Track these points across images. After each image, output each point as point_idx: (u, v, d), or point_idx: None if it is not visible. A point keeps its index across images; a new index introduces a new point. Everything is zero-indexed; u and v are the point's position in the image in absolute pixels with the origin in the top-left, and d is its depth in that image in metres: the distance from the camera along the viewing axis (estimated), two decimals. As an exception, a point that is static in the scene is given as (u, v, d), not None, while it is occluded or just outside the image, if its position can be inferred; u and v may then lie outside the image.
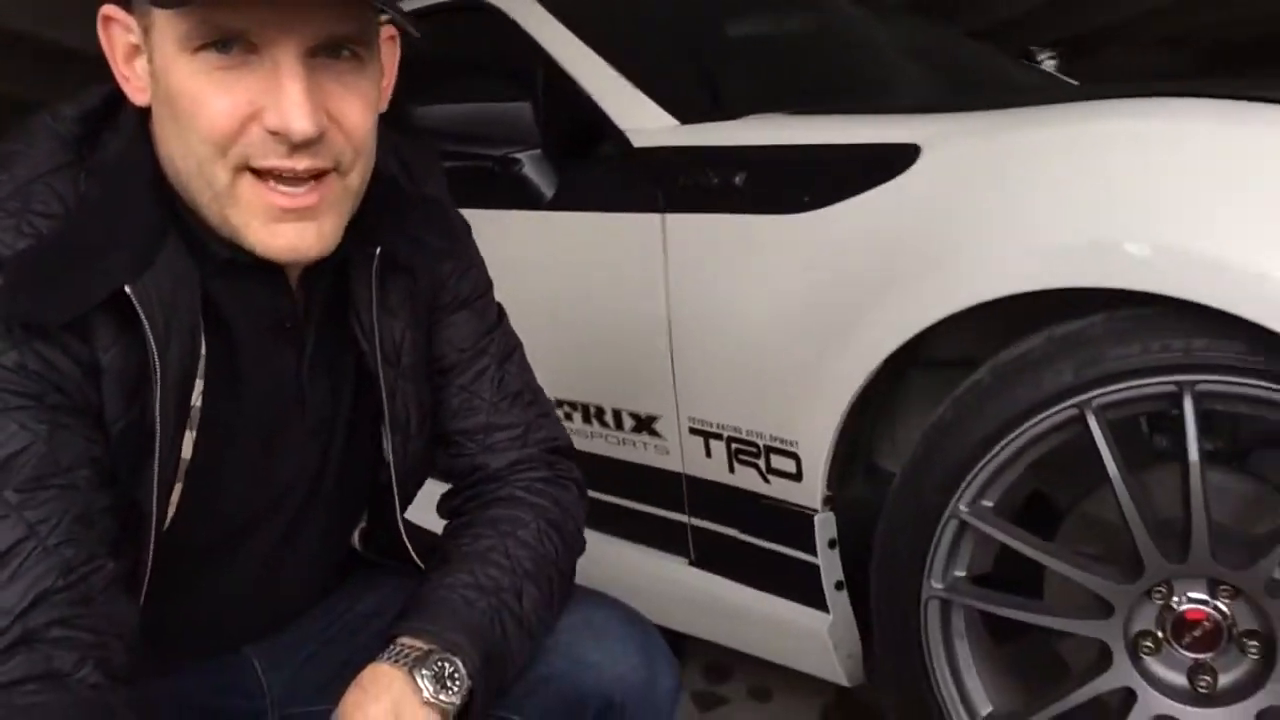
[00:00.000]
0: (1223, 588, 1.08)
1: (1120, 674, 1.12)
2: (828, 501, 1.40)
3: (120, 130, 0.81)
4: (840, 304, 1.30)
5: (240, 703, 0.97)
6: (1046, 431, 1.12)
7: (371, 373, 0.93)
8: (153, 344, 0.77)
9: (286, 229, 0.78)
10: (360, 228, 0.86)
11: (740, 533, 1.53)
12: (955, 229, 1.18)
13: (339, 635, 1.00)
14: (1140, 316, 1.06)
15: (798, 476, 1.40)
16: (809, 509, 1.41)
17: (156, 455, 0.78)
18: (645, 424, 1.60)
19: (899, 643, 1.23)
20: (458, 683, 0.83)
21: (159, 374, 0.77)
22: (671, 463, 1.59)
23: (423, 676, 0.82)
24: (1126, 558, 1.10)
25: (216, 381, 0.83)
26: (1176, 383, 1.04)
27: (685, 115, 1.59)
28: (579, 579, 1.01)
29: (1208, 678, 1.10)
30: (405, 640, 0.85)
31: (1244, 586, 1.06)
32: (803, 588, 1.45)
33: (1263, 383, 1.00)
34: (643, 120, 1.60)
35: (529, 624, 0.90)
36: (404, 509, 0.98)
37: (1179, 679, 1.12)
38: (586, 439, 1.70)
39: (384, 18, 0.81)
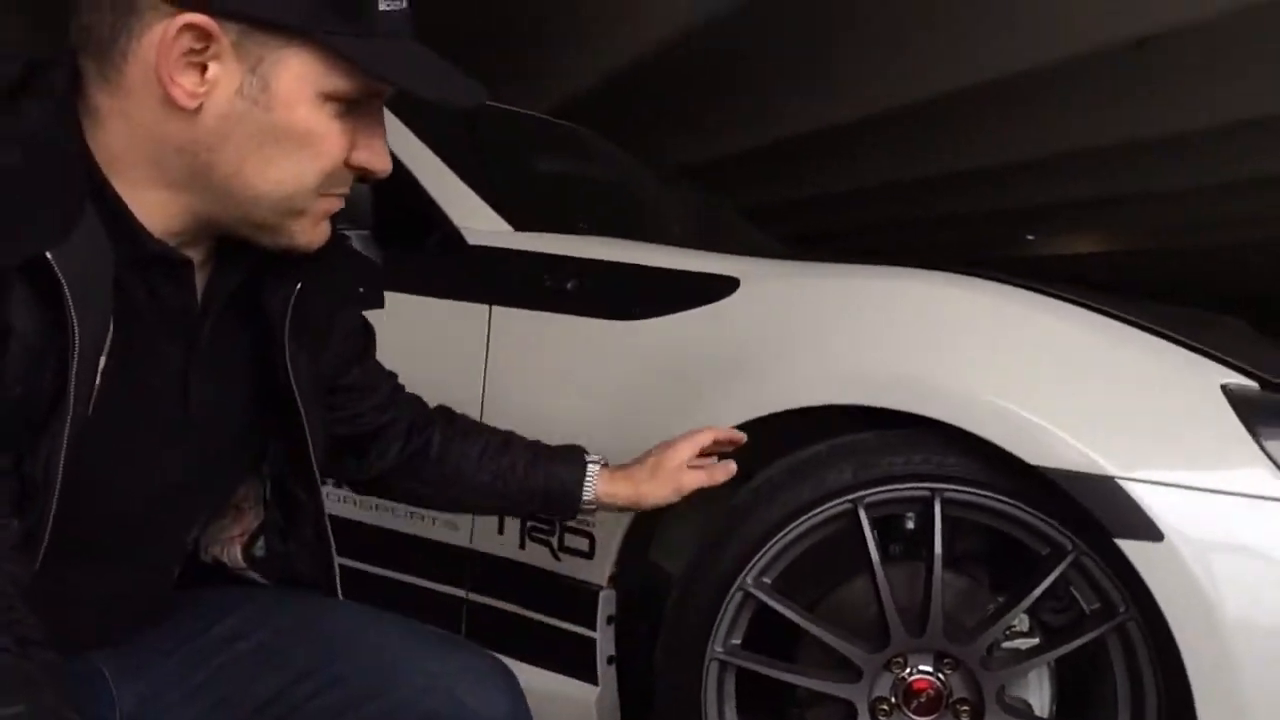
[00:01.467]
0: (946, 661, 1.33)
1: (862, 734, 1.33)
2: (611, 580, 1.55)
3: (43, 99, 0.81)
4: (654, 405, 1.49)
5: (91, 710, 0.94)
6: (824, 522, 1.35)
7: (282, 386, 0.98)
8: (72, 310, 0.77)
9: (325, 226, 0.91)
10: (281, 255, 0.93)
11: (521, 608, 1.63)
12: (763, 350, 1.42)
13: (195, 656, 1.00)
14: (906, 434, 1.33)
15: (589, 555, 1.54)
16: (595, 585, 1.55)
17: (69, 422, 0.78)
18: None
19: (680, 701, 1.38)
20: None
21: (76, 340, 0.77)
22: (459, 538, 1.68)
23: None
24: (876, 632, 1.33)
25: (115, 362, 0.83)
26: (930, 489, 1.31)
27: (518, 223, 1.77)
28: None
29: (929, 738, 1.33)
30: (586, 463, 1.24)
31: (964, 659, 1.31)
32: (576, 662, 1.57)
33: (995, 495, 1.28)
34: (478, 222, 1.76)
35: None
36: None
37: (907, 740, 1.35)
38: (372, 511, 1.75)
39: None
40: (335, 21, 0.81)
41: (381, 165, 0.88)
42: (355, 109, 0.85)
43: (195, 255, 0.90)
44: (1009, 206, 9.67)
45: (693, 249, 1.67)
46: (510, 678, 1.01)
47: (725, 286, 1.48)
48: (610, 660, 1.56)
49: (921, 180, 8.60)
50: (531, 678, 1.58)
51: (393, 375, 1.25)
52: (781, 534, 1.34)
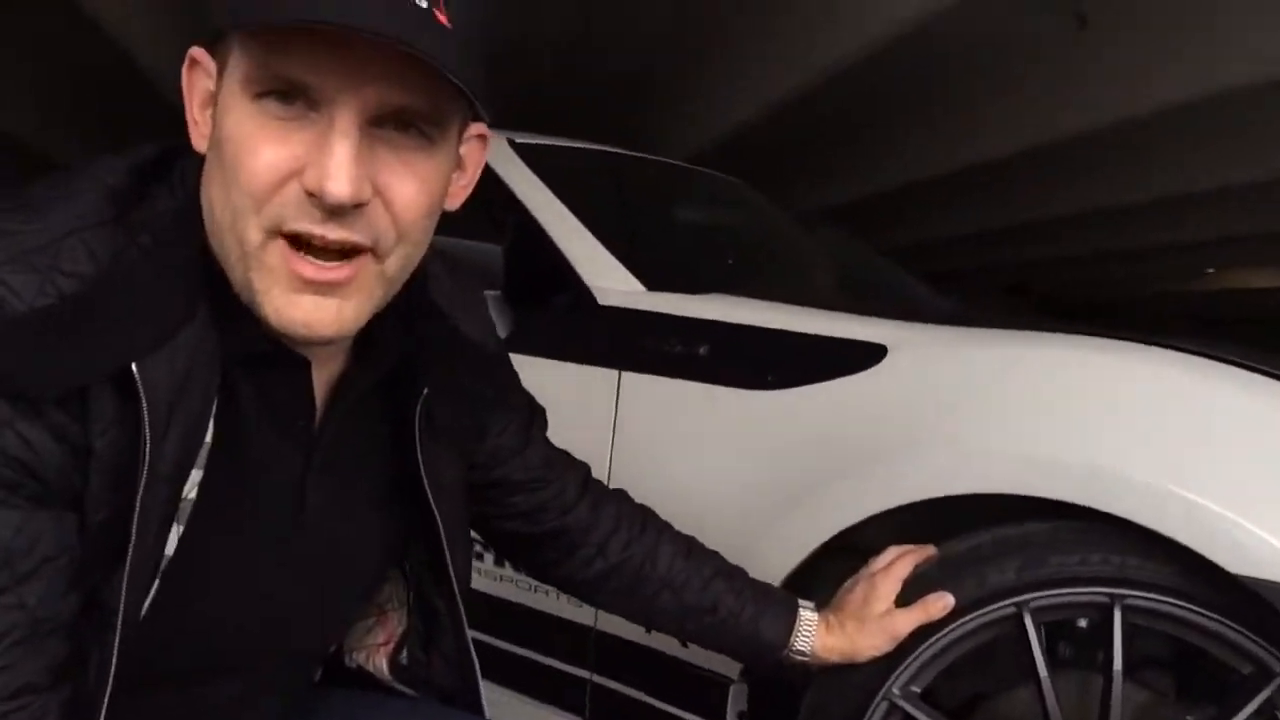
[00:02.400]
0: (1127, 795, 1.16)
1: None
2: (743, 673, 1.43)
3: (173, 187, 0.78)
4: (790, 482, 1.37)
5: None
6: (983, 626, 1.19)
7: (417, 493, 0.92)
8: (147, 430, 0.71)
9: (305, 301, 0.73)
10: (405, 357, 0.87)
11: (645, 695, 1.53)
12: (913, 428, 1.28)
13: None
14: (1080, 528, 1.16)
15: (720, 644, 1.42)
16: (726, 678, 1.43)
17: (130, 551, 0.72)
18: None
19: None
20: None
21: (146, 464, 0.71)
22: (583, 616, 1.59)
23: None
24: (1044, 756, 1.17)
25: (217, 474, 0.79)
26: (1108, 594, 1.14)
27: (651, 283, 1.68)
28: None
29: None
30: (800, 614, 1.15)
31: (1148, 795, 1.14)
32: (706, 757, 1.45)
33: (1185, 603, 1.11)
34: (610, 281, 1.68)
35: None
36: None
37: None
38: (495, 582, 1.68)
39: (473, 117, 0.80)
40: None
41: (329, 186, 0.69)
42: (300, 118, 0.70)
43: (320, 353, 0.83)
44: (1186, 240, 9.09)
45: (837, 309, 1.55)
46: None
47: (871, 355, 1.35)
48: (743, 758, 1.44)
49: (1091, 213, 8.17)
50: (658, 771, 1.50)
51: (580, 469, 1.17)
52: (934, 639, 1.19)
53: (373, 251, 0.74)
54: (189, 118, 0.78)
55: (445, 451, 0.94)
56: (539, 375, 1.64)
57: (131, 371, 0.71)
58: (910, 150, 6.97)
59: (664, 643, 1.48)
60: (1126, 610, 1.13)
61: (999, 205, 8.41)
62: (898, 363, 1.33)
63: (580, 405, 1.58)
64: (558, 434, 1.60)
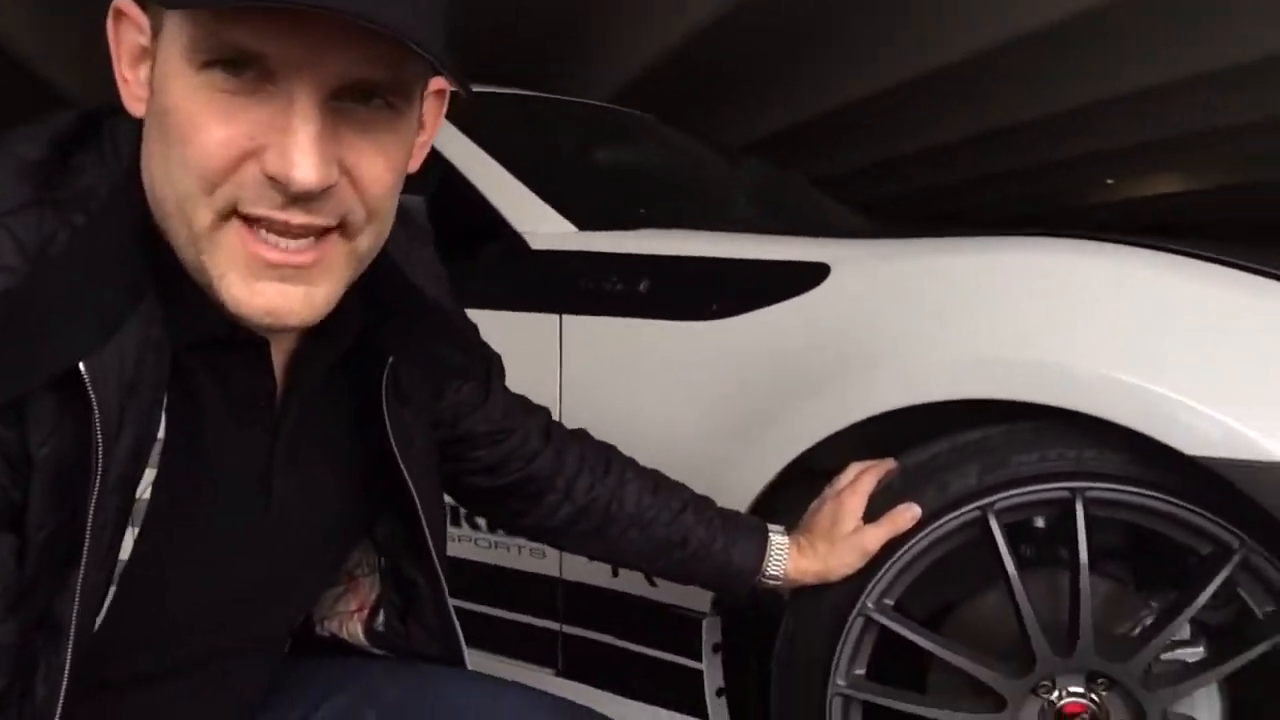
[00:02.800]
0: (1100, 681, 1.18)
1: (1011, 767, 1.19)
2: (715, 605, 1.42)
3: (104, 155, 0.71)
4: (743, 411, 1.36)
5: None
6: (949, 533, 1.20)
7: (389, 467, 0.88)
8: (99, 435, 0.65)
9: (269, 288, 0.67)
10: (367, 325, 0.81)
11: (617, 639, 1.52)
12: (863, 343, 1.27)
13: None
14: (1036, 427, 1.17)
15: (687, 579, 1.41)
16: (698, 612, 1.42)
17: (83, 564, 0.67)
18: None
19: (804, 742, 1.24)
20: None
21: (100, 470, 0.66)
22: (548, 567, 1.57)
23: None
24: (1018, 654, 1.18)
25: (172, 470, 0.73)
26: (1069, 489, 1.15)
27: (582, 223, 1.64)
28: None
29: (1086, 769, 1.18)
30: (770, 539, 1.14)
31: (1121, 678, 1.16)
32: (682, 695, 1.45)
33: (1146, 491, 1.12)
34: (540, 224, 1.64)
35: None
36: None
37: (1061, 771, 1.20)
38: (454, 543, 1.64)
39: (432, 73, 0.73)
40: None
41: (296, 173, 0.63)
42: (252, 92, 0.64)
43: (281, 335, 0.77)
44: (1083, 152, 9.27)
45: (772, 234, 1.53)
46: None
47: (814, 275, 1.34)
48: (719, 692, 1.44)
49: (987, 134, 8.27)
50: (637, 714, 1.49)
51: (540, 415, 1.14)
52: (903, 550, 1.19)
53: (340, 229, 0.69)
54: (118, 76, 0.71)
55: (413, 418, 0.90)
56: (483, 324, 1.62)
57: (79, 371, 0.65)
58: (815, 80, 6.96)
59: (632, 584, 1.47)
60: (1088, 502, 1.15)
61: (899, 133, 8.45)
62: (841, 280, 1.32)
63: (523, 353, 1.52)
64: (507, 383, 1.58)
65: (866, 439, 1.27)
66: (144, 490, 0.71)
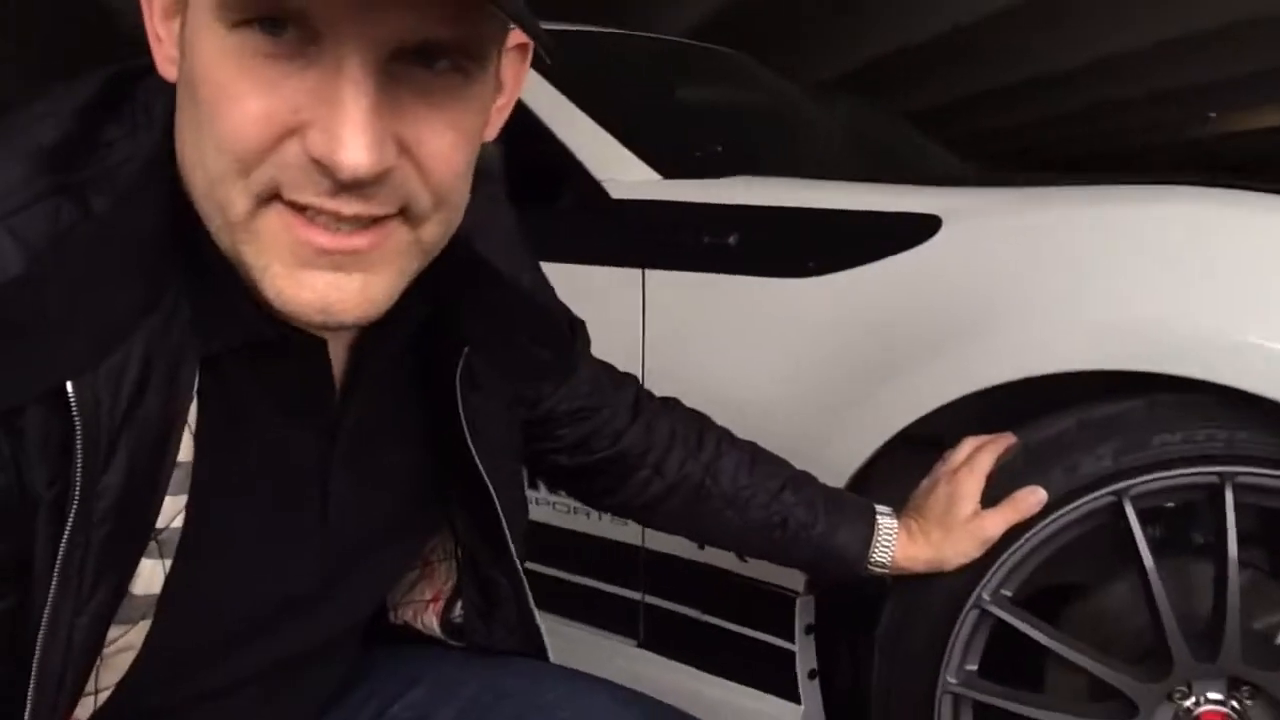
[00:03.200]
0: (1244, 688, 1.06)
1: (1142, 775, 1.08)
2: (810, 585, 1.33)
3: (135, 125, 0.61)
4: (844, 376, 1.25)
5: None
6: (1078, 520, 1.08)
7: (465, 465, 0.79)
8: (79, 462, 0.56)
9: (319, 279, 0.57)
10: (436, 308, 0.71)
11: (702, 613, 1.43)
12: (979, 305, 1.15)
13: None
14: (1182, 402, 1.04)
15: (781, 556, 1.31)
16: (791, 591, 1.33)
17: (48, 608, 0.57)
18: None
19: (908, 741, 1.15)
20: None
21: (75, 502, 0.56)
22: (629, 535, 1.48)
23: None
24: (1153, 655, 1.07)
25: (206, 493, 0.64)
26: (1218, 473, 1.02)
27: (666, 170, 1.53)
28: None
29: (1224, 780, 1.07)
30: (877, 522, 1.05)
31: (1269, 687, 1.04)
32: (772, 676, 1.36)
33: (1308, 477, 0.99)
34: (621, 172, 1.53)
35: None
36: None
37: (1196, 781, 1.08)
38: (534, 506, 1.56)
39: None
40: None
41: (345, 156, 0.52)
42: (294, 55, 0.53)
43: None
44: (1184, 84, 8.82)
45: (874, 182, 1.40)
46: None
47: (924, 228, 1.21)
48: (812, 675, 1.34)
49: (1088, 67, 7.89)
50: (724, 694, 1.40)
51: (629, 387, 1.05)
52: (1025, 538, 1.07)
53: (402, 215, 0.58)
54: (150, 32, 0.61)
55: (485, 401, 0.79)
56: (555, 281, 1.52)
57: (66, 391, 0.55)
58: (901, 12, 6.69)
59: (721, 558, 1.38)
60: (1238, 489, 1.02)
61: (995, 64, 8.13)
62: (955, 234, 1.19)
63: (603, 311, 1.42)
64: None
65: (982, 412, 1.16)
66: (173, 519, 0.63)
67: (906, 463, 1.32)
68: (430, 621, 0.91)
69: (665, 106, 1.97)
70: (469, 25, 0.55)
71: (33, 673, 0.58)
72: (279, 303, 0.58)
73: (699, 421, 1.07)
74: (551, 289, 0.95)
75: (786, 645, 1.34)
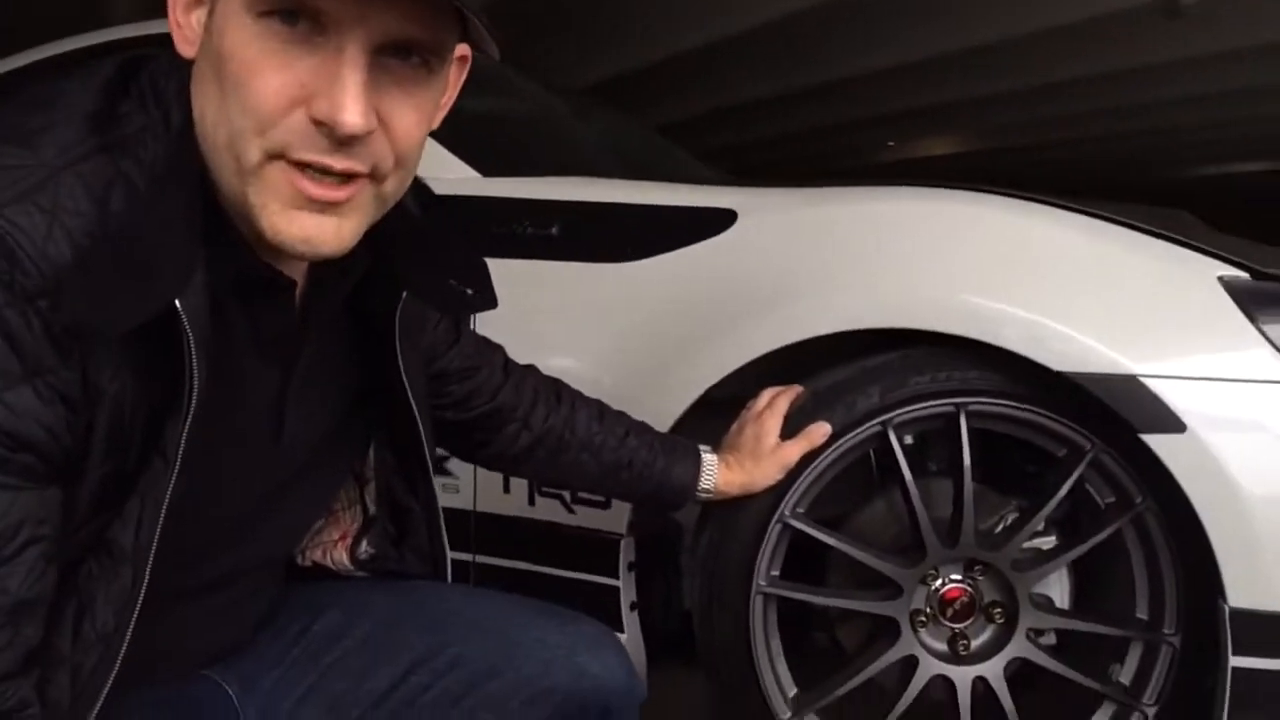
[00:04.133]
0: (976, 568, 1.38)
1: (905, 645, 1.37)
2: (630, 528, 1.54)
3: (146, 103, 0.75)
4: (660, 346, 1.47)
5: None
6: (855, 446, 1.36)
7: (396, 398, 0.94)
8: (194, 368, 0.71)
9: (305, 218, 0.72)
10: (377, 257, 0.86)
11: (533, 565, 1.61)
12: (771, 282, 1.41)
13: (302, 659, 0.96)
14: (929, 352, 1.34)
15: (606, 505, 1.52)
16: (615, 534, 1.53)
17: (170, 489, 0.73)
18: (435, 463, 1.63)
19: (729, 638, 1.39)
20: None
21: (193, 400, 0.72)
22: (461, 501, 1.63)
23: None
24: (910, 548, 1.37)
25: (205, 405, 0.76)
26: (955, 404, 1.33)
27: (486, 169, 1.70)
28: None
29: (964, 641, 1.38)
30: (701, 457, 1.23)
31: (995, 564, 1.36)
32: (600, 611, 1.55)
33: (1017, 403, 1.32)
34: (444, 170, 1.68)
35: None
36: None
37: (944, 646, 1.39)
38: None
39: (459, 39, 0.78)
40: None
41: (343, 117, 0.68)
42: (304, 41, 0.69)
43: (295, 271, 0.82)
44: (866, 115, 9.86)
45: (671, 183, 1.64)
46: (619, 644, 1.01)
47: (722, 220, 1.46)
48: (633, 606, 1.56)
49: (782, 96, 8.68)
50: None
51: (499, 350, 1.21)
52: (815, 462, 1.34)
53: (371, 176, 0.74)
54: (171, 20, 0.75)
55: (412, 350, 0.95)
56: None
57: (175, 308, 0.69)
58: (631, 31, 7.09)
59: (548, 512, 1.56)
60: (969, 415, 1.34)
61: (707, 91, 8.74)
62: (749, 225, 1.45)
63: None
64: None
65: (771, 375, 1.42)
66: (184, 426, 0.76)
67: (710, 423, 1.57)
68: (340, 557, 1.04)
69: (464, 112, 2.12)
70: (436, 28, 0.73)
71: (135, 563, 0.73)
72: (273, 233, 0.73)
73: (554, 382, 1.25)
74: (473, 246, 1.09)
75: (611, 582, 1.54)
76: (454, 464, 1.61)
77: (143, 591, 0.74)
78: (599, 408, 1.25)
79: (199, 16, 0.74)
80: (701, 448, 1.29)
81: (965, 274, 1.33)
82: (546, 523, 1.58)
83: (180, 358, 0.71)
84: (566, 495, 1.55)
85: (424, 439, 0.97)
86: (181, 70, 0.76)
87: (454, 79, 0.85)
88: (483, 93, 2.33)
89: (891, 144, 11.65)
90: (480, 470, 1.60)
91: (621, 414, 1.27)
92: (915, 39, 7.20)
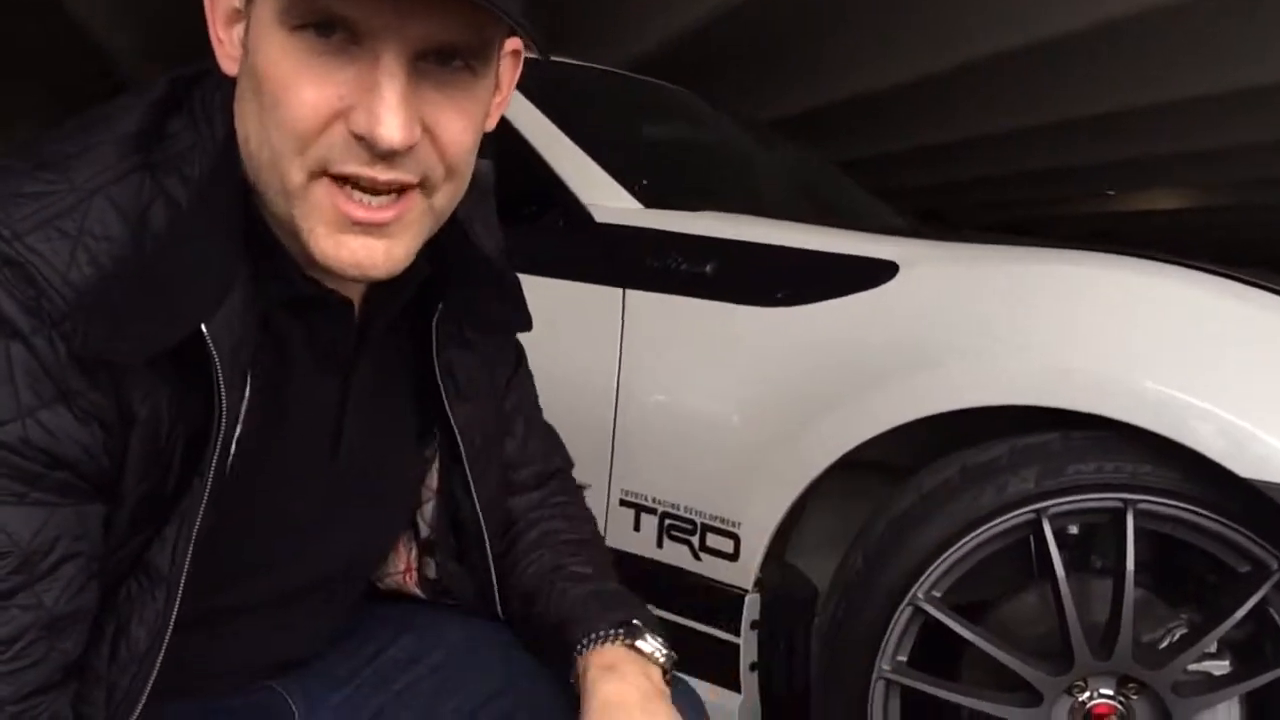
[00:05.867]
0: (1130, 685, 1.24)
1: (1043, 758, 1.24)
2: (757, 584, 1.47)
3: (196, 120, 0.74)
4: (804, 399, 1.40)
5: None
6: (1004, 533, 1.25)
7: (441, 411, 0.91)
8: (223, 393, 0.70)
9: (353, 242, 0.70)
10: (430, 276, 0.83)
11: (655, 608, 1.56)
12: (928, 343, 1.31)
13: (370, 680, 0.94)
14: (1095, 437, 1.22)
15: (734, 557, 1.45)
16: (740, 589, 1.46)
17: (202, 512, 0.72)
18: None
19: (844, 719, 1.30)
20: (658, 637, 0.87)
21: (222, 425, 0.70)
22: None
23: (644, 642, 0.85)
24: (1057, 652, 1.24)
25: (256, 424, 0.76)
26: (1122, 500, 1.20)
27: (647, 200, 1.67)
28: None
29: (1112, 766, 1.24)
30: (597, 633, 0.85)
31: (1153, 684, 1.21)
32: (717, 667, 1.49)
33: (1194, 507, 1.17)
34: (606, 198, 1.66)
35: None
36: (492, 547, 0.95)
37: (1089, 767, 1.25)
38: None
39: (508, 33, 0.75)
40: None
41: (382, 131, 0.65)
42: (340, 53, 0.66)
43: (350, 289, 0.80)
44: (1085, 162, 9.36)
45: (833, 226, 1.57)
46: (691, 690, 0.94)
47: (882, 272, 1.38)
48: (752, 667, 1.48)
49: (997, 136, 8.33)
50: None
51: (556, 457, 1.07)
52: (958, 545, 1.24)
53: (421, 186, 0.72)
54: (213, 36, 0.74)
55: (466, 353, 0.91)
56: (539, 292, 1.63)
57: (201, 333, 0.68)
58: (824, 70, 6.99)
59: (675, 557, 1.51)
60: (1138, 514, 1.20)
61: (909, 127, 8.51)
62: (909, 279, 1.36)
63: (584, 323, 1.58)
64: (563, 352, 1.61)
65: (920, 439, 1.32)
66: (231, 446, 0.75)
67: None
68: (411, 588, 1.02)
69: (641, 140, 2.12)
70: (477, 31, 0.69)
71: (171, 586, 0.72)
72: (321, 259, 0.70)
73: (579, 559, 0.98)
74: (513, 270, 1.01)
75: (731, 639, 1.47)
76: (588, 495, 1.58)
77: (173, 613, 0.73)
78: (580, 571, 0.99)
79: (238, 32, 0.72)
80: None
81: (1144, 354, 1.19)
82: (671, 567, 1.52)
83: (214, 387, 0.70)
84: (695, 541, 1.50)
85: (460, 448, 0.92)
86: (227, 86, 0.75)
87: (507, 76, 0.81)
88: (663, 119, 2.33)
89: (1112, 192, 11.00)
90: (612, 505, 1.57)
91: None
92: (1145, 85, 6.78)
